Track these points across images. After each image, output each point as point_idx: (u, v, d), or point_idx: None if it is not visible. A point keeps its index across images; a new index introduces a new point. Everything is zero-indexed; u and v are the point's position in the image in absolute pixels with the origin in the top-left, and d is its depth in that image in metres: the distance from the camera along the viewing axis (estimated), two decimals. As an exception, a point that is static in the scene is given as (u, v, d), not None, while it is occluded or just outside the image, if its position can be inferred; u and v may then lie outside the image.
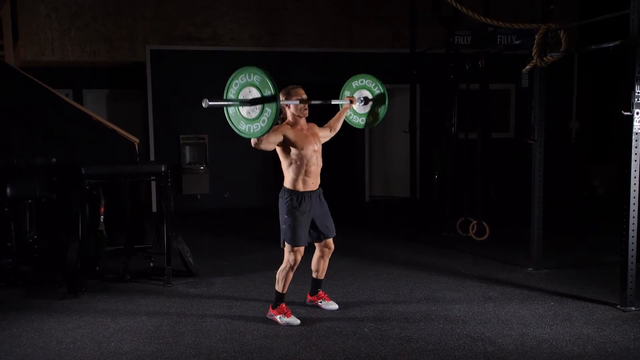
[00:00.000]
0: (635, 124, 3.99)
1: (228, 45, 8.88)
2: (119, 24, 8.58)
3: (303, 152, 3.85)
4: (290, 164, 3.87)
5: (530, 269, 5.21)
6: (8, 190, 5.09)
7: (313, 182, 3.93)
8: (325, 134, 4.21)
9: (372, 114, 4.43)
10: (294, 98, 3.86)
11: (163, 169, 5.19)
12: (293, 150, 3.84)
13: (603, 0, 8.93)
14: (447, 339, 3.63)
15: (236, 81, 3.49)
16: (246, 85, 3.44)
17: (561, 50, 4.74)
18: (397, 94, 9.74)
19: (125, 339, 3.71)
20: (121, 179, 5.25)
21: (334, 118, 4.34)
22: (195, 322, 4.01)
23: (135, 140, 5.98)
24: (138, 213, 5.78)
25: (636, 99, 3.95)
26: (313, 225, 3.98)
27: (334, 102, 4.26)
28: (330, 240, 4.16)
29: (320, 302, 4.28)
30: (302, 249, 3.90)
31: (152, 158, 8.72)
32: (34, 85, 5.77)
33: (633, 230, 4.08)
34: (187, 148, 8.84)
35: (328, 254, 4.21)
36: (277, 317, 3.95)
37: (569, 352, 3.42)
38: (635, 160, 4.03)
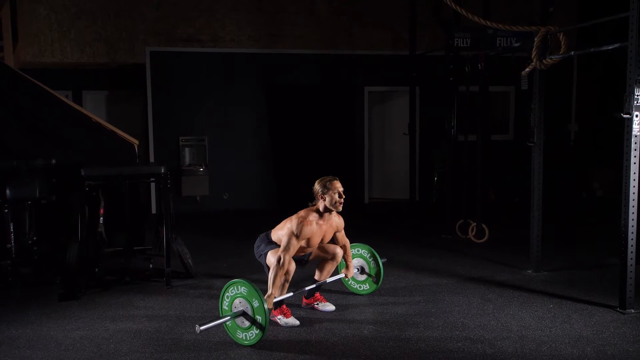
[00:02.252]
0: (634, 126, 3.99)
1: (228, 46, 8.89)
2: (119, 25, 8.59)
3: (308, 244, 3.96)
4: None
5: (530, 271, 5.21)
6: (7, 191, 5.08)
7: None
8: (338, 239, 4.21)
9: (368, 282, 4.59)
10: (331, 192, 3.89)
11: (162, 171, 5.19)
12: (302, 242, 3.90)
13: (602, 3, 8.97)
14: (446, 341, 3.63)
15: (227, 294, 3.68)
16: (236, 297, 3.64)
17: (560, 52, 4.75)
18: (397, 96, 9.76)
19: (125, 341, 3.70)
20: (121, 181, 5.25)
21: (347, 254, 4.31)
22: (194, 323, 3.99)
23: (135, 141, 5.98)
24: (137, 215, 5.77)
25: (636, 102, 3.96)
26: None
27: (329, 280, 4.29)
28: (336, 249, 4.18)
29: (317, 303, 4.28)
30: (292, 268, 3.87)
31: (151, 159, 8.72)
32: (34, 86, 5.76)
33: (632, 232, 4.08)
34: (187, 150, 8.84)
35: (338, 259, 4.22)
36: (277, 318, 3.96)
37: (569, 355, 3.42)
38: (635, 163, 4.03)
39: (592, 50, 4.65)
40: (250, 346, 3.56)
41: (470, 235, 6.50)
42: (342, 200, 3.93)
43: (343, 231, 4.23)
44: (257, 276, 5.15)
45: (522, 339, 3.65)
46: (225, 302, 3.69)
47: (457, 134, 6.95)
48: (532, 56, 4.81)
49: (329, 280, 4.29)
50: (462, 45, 6.68)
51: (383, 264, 4.55)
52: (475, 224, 6.48)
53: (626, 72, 4.01)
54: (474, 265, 5.54)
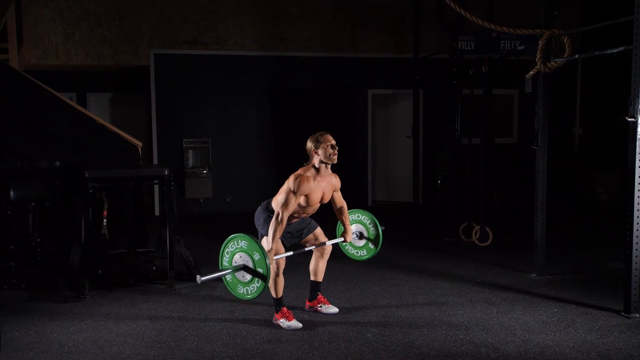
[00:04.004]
0: (639, 129, 3.98)
1: (231, 49, 8.90)
2: (123, 28, 8.61)
3: (308, 202, 3.92)
4: None
5: (534, 275, 5.20)
6: (12, 193, 5.10)
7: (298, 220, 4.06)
8: (336, 199, 4.20)
9: (366, 248, 4.53)
10: (323, 145, 3.89)
11: (166, 173, 5.20)
12: (301, 199, 3.88)
13: (607, 6, 8.95)
14: (450, 345, 3.62)
15: (227, 250, 3.67)
16: (236, 252, 3.63)
17: (565, 56, 4.74)
18: (400, 99, 9.76)
19: (128, 343, 3.70)
20: (124, 183, 5.26)
21: (344, 216, 4.29)
22: (197, 326, 4.00)
23: (139, 143, 5.99)
24: (141, 217, 5.78)
25: (640, 105, 3.94)
26: (292, 232, 4.08)
27: (328, 243, 4.26)
28: (325, 238, 4.18)
29: (320, 306, 4.27)
30: (282, 251, 3.91)
31: (155, 162, 8.73)
32: (38, 88, 5.78)
33: (637, 236, 4.06)
34: (190, 152, 8.85)
35: (328, 253, 4.22)
36: (280, 321, 3.96)
37: (573, 359, 3.40)
38: (639, 167, 4.02)
39: (596, 53, 4.64)
40: (252, 299, 3.57)
41: (474, 238, 6.48)
42: (336, 152, 3.92)
43: (340, 192, 4.20)
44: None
45: (526, 343, 3.64)
46: (225, 257, 3.67)
47: (460, 137, 6.94)
48: (537, 59, 4.80)
49: (328, 243, 4.24)
50: (466, 48, 6.66)
51: (382, 231, 4.43)
52: (478, 227, 6.47)
53: (631, 75, 4.00)
54: (478, 268, 5.53)
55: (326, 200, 4.05)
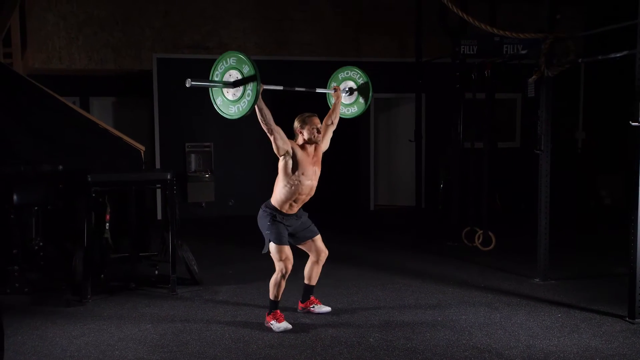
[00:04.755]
0: (643, 134, 3.97)
1: (234, 53, 8.91)
2: (126, 32, 8.63)
3: (302, 178, 3.95)
4: (286, 185, 3.96)
5: (537, 280, 5.18)
6: (15, 197, 5.10)
7: (298, 208, 4.07)
8: (329, 134, 4.32)
9: (357, 103, 4.57)
10: (309, 127, 4.02)
11: (168, 177, 5.20)
12: (294, 173, 3.93)
13: (610, 10, 8.94)
14: (453, 350, 3.60)
15: (217, 72, 3.66)
16: (227, 70, 3.60)
17: (568, 60, 4.73)
18: (403, 103, 9.76)
19: (130, 347, 3.70)
20: (127, 187, 5.26)
21: (332, 112, 4.42)
22: (199, 330, 3.99)
23: (141, 147, 6.00)
24: (143, 221, 5.78)
25: (644, 109, 3.93)
26: (294, 235, 4.10)
27: (318, 90, 4.36)
28: (322, 245, 4.20)
29: (313, 306, 4.31)
30: (290, 255, 3.96)
31: (157, 166, 8.74)
32: (42, 92, 5.80)
33: (641, 241, 4.04)
34: (193, 156, 8.85)
35: (323, 259, 4.24)
36: (271, 323, 3.98)
37: (577, 365, 3.39)
38: (643, 171, 4.00)
39: (599, 57, 4.64)
40: (244, 116, 3.57)
41: (477, 243, 6.47)
42: (320, 134, 4.06)
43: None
44: (263, 283, 5.15)
45: (530, 349, 3.62)
46: (216, 78, 3.65)
47: (463, 141, 6.93)
48: (540, 63, 4.79)
49: (318, 90, 4.35)
50: (468, 53, 6.67)
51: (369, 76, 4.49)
52: (481, 231, 6.45)
53: (634, 79, 3.99)
54: (481, 273, 5.51)
55: (317, 174, 4.08)
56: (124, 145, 5.87)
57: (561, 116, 8.44)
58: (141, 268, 5.37)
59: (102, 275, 5.15)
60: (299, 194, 3.98)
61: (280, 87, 3.97)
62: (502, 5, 7.45)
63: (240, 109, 3.56)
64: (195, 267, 5.20)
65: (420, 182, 7.99)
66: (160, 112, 8.74)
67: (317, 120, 4.09)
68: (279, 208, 4.01)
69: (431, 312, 4.36)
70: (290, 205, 4.00)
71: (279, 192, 4.01)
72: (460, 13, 5.27)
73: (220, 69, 3.64)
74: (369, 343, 3.74)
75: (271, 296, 4.01)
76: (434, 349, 3.62)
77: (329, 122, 4.37)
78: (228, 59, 3.60)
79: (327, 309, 4.30)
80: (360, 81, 4.53)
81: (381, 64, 9.34)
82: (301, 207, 4.13)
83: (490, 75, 6.40)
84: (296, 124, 4.10)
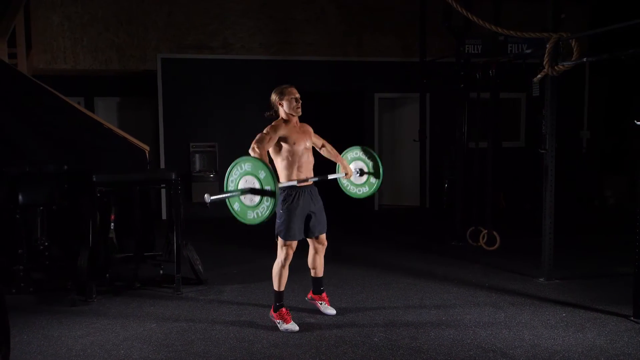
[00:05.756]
0: (648, 133, 3.96)
1: (238, 53, 8.93)
2: (131, 32, 8.66)
3: (295, 147, 3.91)
4: (283, 160, 3.94)
5: (542, 279, 5.17)
6: (20, 197, 5.13)
7: (305, 174, 3.98)
8: (316, 143, 4.25)
9: (368, 184, 4.54)
10: (287, 97, 3.95)
11: (173, 177, 5.21)
12: (285, 147, 3.90)
13: (615, 9, 8.92)
14: (457, 350, 3.60)
15: (231, 178, 3.61)
16: (242, 175, 3.55)
17: (572, 59, 4.72)
18: (407, 102, 9.75)
19: (135, 347, 3.71)
20: (131, 187, 5.28)
21: (333, 154, 4.34)
22: (204, 330, 4.00)
23: (146, 148, 6.01)
24: (148, 220, 5.80)
25: (649, 109, 3.93)
26: (307, 221, 4.02)
27: (330, 177, 4.29)
28: (323, 236, 4.19)
29: (321, 303, 4.32)
30: (294, 244, 3.95)
31: (162, 166, 8.76)
32: (46, 93, 5.82)
33: (646, 240, 4.03)
34: (197, 156, 8.87)
35: (322, 250, 4.24)
36: (277, 322, 3.98)
37: (582, 364, 3.38)
38: (648, 170, 3.99)
39: (604, 56, 4.62)
40: (263, 222, 3.50)
41: (481, 242, 6.46)
42: (299, 104, 3.96)
43: (317, 135, 4.24)
44: (267, 283, 5.16)
45: (535, 348, 3.61)
46: (230, 186, 3.59)
47: (467, 141, 6.92)
48: (544, 63, 4.78)
49: (330, 177, 4.26)
50: (473, 52, 6.66)
51: (380, 158, 4.49)
52: (486, 231, 6.44)
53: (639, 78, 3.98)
54: (485, 273, 5.50)
55: (309, 145, 4.05)
56: (129, 145, 5.88)
57: (566, 115, 8.40)
58: (146, 268, 5.38)
59: (107, 275, 5.17)
60: (299, 161, 3.93)
61: (294, 182, 3.91)
62: (507, 5, 7.43)
63: (260, 215, 3.49)
64: (200, 267, 5.21)
65: (424, 182, 7.98)
66: (165, 112, 8.76)
67: (295, 90, 3.99)
68: (288, 180, 3.92)
69: (435, 311, 4.35)
70: (298, 174, 3.93)
71: (281, 170, 3.96)
72: (464, 12, 5.27)
73: (235, 174, 3.56)
74: (374, 342, 3.74)
75: (275, 287, 4.01)
76: (439, 348, 3.62)
77: (322, 144, 4.29)
78: (243, 165, 3.52)
79: (333, 311, 4.28)
80: (371, 163, 4.49)
81: (385, 64, 9.34)
82: (314, 185, 4.05)
83: (494, 75, 6.39)
84: (274, 97, 3.98)
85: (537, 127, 5.35)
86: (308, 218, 4.02)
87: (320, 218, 4.10)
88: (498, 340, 3.74)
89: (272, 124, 3.95)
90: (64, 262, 5.41)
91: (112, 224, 5.39)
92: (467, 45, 6.68)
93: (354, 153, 4.54)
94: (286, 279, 4.03)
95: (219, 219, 8.73)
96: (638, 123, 3.97)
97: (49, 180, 5.29)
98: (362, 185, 4.53)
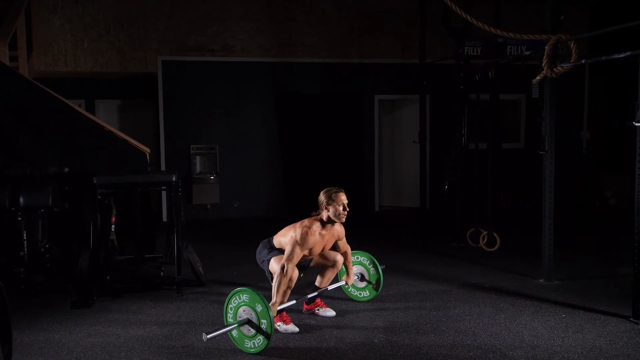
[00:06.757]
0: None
1: (239, 56, 8.95)
2: (131, 35, 8.68)
3: (310, 252, 4.01)
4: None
5: (542, 280, 5.18)
6: (21, 199, 5.14)
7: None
8: (339, 245, 4.26)
9: (368, 289, 4.63)
10: (335, 204, 3.95)
11: (174, 179, 5.22)
12: (303, 250, 3.92)
13: (613, 11, 8.93)
14: (457, 351, 3.61)
15: (230, 306, 3.70)
16: (239, 306, 3.64)
17: (571, 61, 4.73)
18: (407, 104, 9.76)
19: (136, 349, 3.72)
20: (132, 189, 5.29)
21: (348, 260, 4.37)
22: (205, 331, 3.99)
23: (147, 150, 6.02)
24: (149, 222, 5.81)
25: (647, 110, 3.93)
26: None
27: (330, 287, 4.36)
28: (337, 256, 4.23)
29: (318, 309, 4.31)
30: (295, 276, 3.88)
31: (163, 168, 8.77)
32: (47, 95, 5.83)
33: (645, 241, 4.04)
34: (198, 158, 8.89)
35: (339, 266, 4.26)
36: (277, 325, 3.97)
37: (581, 365, 3.39)
38: (646, 171, 4.00)
39: (603, 58, 4.63)
40: (258, 354, 3.56)
41: (481, 243, 6.47)
42: (346, 213, 3.98)
43: (345, 239, 4.27)
44: (267, 284, 5.16)
45: (534, 349, 3.62)
46: (229, 314, 3.70)
47: (467, 142, 6.93)
48: (543, 64, 4.79)
49: (330, 287, 4.34)
50: (472, 54, 6.67)
51: (382, 270, 4.58)
52: (486, 232, 6.45)
53: (637, 80, 3.99)
54: (485, 273, 5.51)
55: (327, 248, 4.13)
56: (130, 147, 5.90)
57: (566, 117, 8.42)
58: (147, 269, 5.39)
59: (108, 277, 5.18)
60: (302, 259, 4.02)
61: (293, 302, 3.96)
62: (506, 7, 7.45)
63: (256, 345, 3.57)
64: (201, 269, 5.22)
65: (424, 183, 7.99)
66: (166, 114, 8.78)
67: (344, 196, 3.99)
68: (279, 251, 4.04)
69: (435, 312, 4.36)
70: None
71: (284, 244, 4.00)
72: (463, 14, 5.29)
73: (234, 303, 3.66)
74: (374, 344, 3.75)
75: (279, 301, 3.85)
76: (439, 349, 3.63)
77: (342, 252, 4.31)
78: (241, 295, 3.63)
79: (332, 313, 4.29)
80: (373, 272, 4.58)
81: (385, 66, 9.36)
82: None
83: (494, 76, 6.40)
84: (322, 198, 3.99)
85: (537, 128, 5.36)
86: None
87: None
88: (498, 341, 3.75)
89: (307, 224, 3.94)
90: (65, 264, 5.43)
91: (113, 226, 5.41)
92: (466, 47, 6.69)
93: (355, 257, 4.63)
94: (288, 296, 3.93)
95: (220, 221, 8.76)
96: (636, 124, 3.98)
97: (50, 183, 5.31)
98: (363, 289, 4.64)
